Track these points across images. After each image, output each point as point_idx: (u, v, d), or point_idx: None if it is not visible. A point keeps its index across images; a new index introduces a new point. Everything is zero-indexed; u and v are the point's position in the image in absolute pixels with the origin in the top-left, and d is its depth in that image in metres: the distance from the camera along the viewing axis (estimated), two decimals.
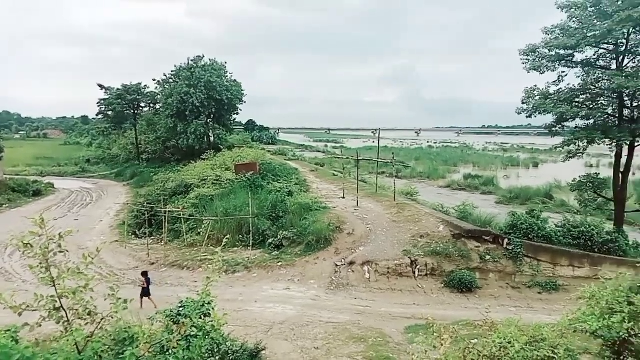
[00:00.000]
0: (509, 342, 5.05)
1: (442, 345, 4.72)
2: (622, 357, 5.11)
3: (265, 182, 25.58)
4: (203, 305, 4.65)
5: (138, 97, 51.51)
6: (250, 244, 18.96)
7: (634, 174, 41.56)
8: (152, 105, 52.21)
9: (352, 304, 14.21)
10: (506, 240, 16.77)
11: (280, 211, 20.25)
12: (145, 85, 51.54)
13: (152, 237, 22.17)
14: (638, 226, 25.34)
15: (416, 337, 9.30)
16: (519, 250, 16.37)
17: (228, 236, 15.82)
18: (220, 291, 13.05)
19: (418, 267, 16.14)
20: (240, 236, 19.77)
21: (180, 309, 5.66)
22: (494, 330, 5.50)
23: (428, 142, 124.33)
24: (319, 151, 78.18)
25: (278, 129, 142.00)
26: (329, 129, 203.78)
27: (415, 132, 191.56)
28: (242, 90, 42.89)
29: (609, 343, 5.23)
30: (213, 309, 4.71)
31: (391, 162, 24.88)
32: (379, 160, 26.79)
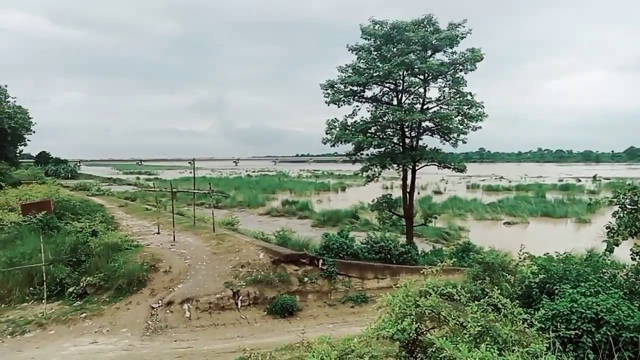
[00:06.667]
0: (322, 359, 5.31)
1: None
2: (414, 355, 5.84)
3: (63, 223, 22.28)
4: None
5: None
6: (45, 297, 16.16)
7: (418, 193, 49.23)
8: None
9: (172, 348, 13.18)
10: (321, 261, 17.87)
11: (82, 254, 17.78)
12: None
13: None
14: (425, 237, 29.90)
15: None
16: (333, 269, 17.62)
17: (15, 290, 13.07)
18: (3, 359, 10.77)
19: (240, 297, 15.97)
20: (32, 288, 16.67)
21: None
22: (310, 350, 5.73)
23: (246, 171, 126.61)
24: (129, 184, 72.21)
25: (79, 161, 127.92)
26: (141, 160, 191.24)
27: (234, 162, 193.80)
28: (29, 118, 37.25)
29: (404, 344, 5.95)
30: None
31: (209, 193, 24.44)
32: (196, 191, 26.07)
